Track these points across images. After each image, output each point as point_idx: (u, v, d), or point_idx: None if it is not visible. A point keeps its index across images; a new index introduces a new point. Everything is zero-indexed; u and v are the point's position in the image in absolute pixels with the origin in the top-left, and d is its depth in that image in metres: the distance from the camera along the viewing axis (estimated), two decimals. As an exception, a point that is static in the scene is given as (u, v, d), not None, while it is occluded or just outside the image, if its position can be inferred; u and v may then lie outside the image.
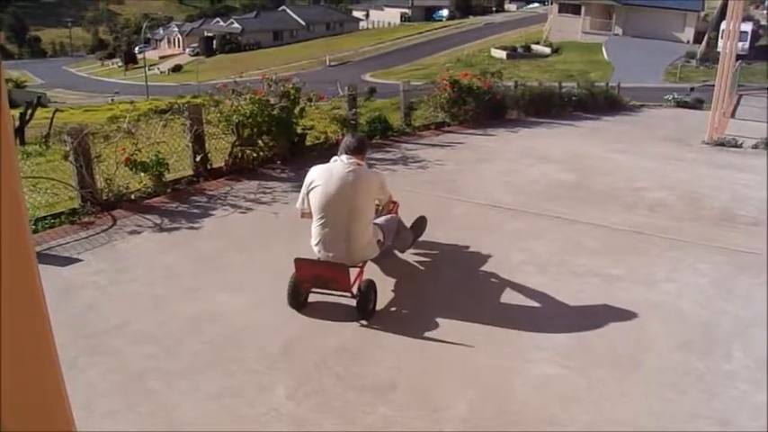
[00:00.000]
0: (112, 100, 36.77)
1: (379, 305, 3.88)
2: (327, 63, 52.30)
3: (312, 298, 3.93)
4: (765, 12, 45.36)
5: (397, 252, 4.60)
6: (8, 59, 79.94)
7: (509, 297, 4.13)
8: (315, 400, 3.00)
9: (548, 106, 13.15)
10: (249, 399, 3.02)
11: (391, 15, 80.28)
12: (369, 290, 3.78)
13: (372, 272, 4.18)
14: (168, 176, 6.25)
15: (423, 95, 11.14)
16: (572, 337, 3.61)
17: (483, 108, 11.01)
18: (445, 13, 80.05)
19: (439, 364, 3.35)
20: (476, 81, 11.15)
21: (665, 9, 43.47)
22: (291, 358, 3.37)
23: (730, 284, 4.36)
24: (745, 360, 3.36)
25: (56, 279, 4.25)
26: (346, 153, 3.94)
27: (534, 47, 46.37)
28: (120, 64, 70.45)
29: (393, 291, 4.17)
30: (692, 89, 24.60)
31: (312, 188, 3.87)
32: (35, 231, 5.02)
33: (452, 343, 3.53)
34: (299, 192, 4.01)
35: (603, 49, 42.55)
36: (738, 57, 16.47)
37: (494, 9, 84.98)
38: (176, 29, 79.62)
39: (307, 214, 3.99)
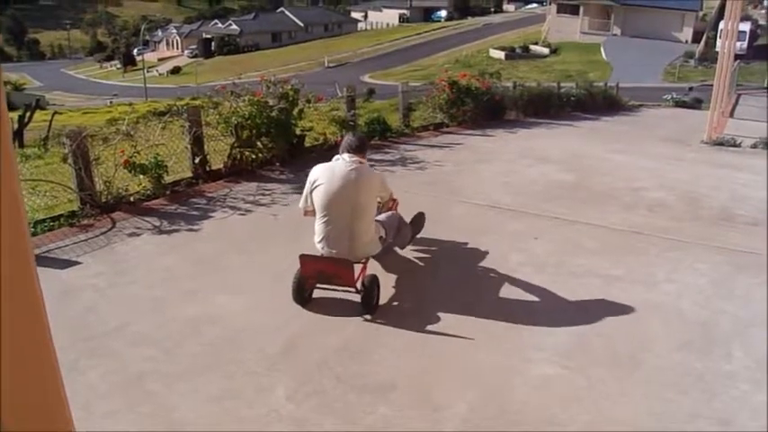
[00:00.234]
0: (111, 102, 36.74)
1: (381, 300, 3.93)
2: (326, 64, 52.34)
3: (313, 295, 3.96)
4: (764, 11, 45.43)
5: (396, 249, 4.66)
6: (7, 62, 79.89)
7: (508, 296, 4.14)
8: (315, 401, 3.00)
9: (546, 107, 13.16)
10: (249, 400, 3.02)
11: (390, 16, 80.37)
12: (372, 285, 3.83)
13: (373, 268, 4.22)
14: (167, 178, 6.25)
15: (421, 96, 11.14)
16: (572, 337, 3.61)
17: (482, 109, 11.02)
18: (443, 13, 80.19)
19: (439, 363, 3.35)
20: (474, 82, 11.15)
21: (664, 9, 43.53)
22: (291, 359, 3.37)
23: (730, 284, 4.36)
24: (744, 360, 3.36)
25: (55, 282, 4.24)
26: (348, 152, 4.00)
27: (533, 47, 46.44)
28: (118, 66, 70.49)
29: (394, 287, 4.22)
30: (690, 89, 24.67)
31: (315, 187, 3.91)
32: (34, 234, 5.02)
33: (453, 337, 3.56)
34: (298, 193, 4.04)
35: (602, 50, 42.62)
36: (737, 56, 16.47)
37: (492, 10, 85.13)
38: (175, 31, 79.71)
39: (310, 212, 4.04)
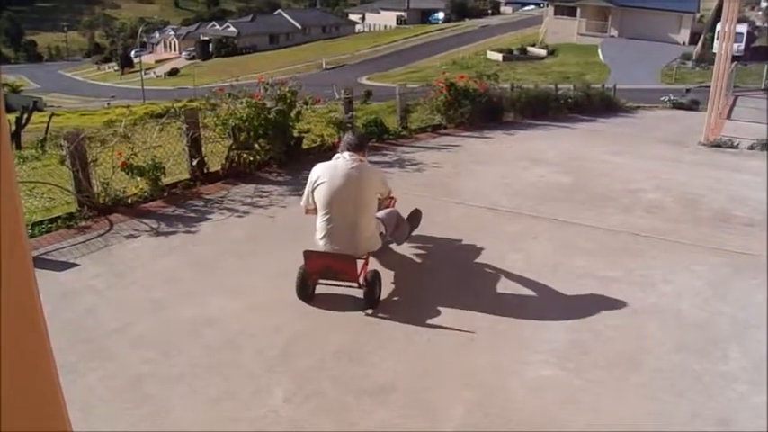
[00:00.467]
0: (109, 104, 36.72)
1: (381, 296, 3.99)
2: (323, 66, 52.36)
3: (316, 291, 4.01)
4: (760, 13, 45.58)
5: (393, 246, 4.72)
6: (4, 64, 79.97)
7: (506, 298, 4.14)
8: (313, 403, 3.00)
9: (544, 108, 13.15)
10: (247, 402, 3.01)
11: (387, 18, 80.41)
12: (374, 280, 3.91)
13: (372, 264, 4.25)
14: (165, 180, 6.24)
15: (419, 98, 11.12)
16: (569, 338, 3.61)
17: (479, 110, 11.01)
18: (441, 15, 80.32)
19: (437, 365, 3.35)
20: (472, 84, 11.14)
21: (661, 11, 43.63)
22: (289, 361, 3.37)
23: (727, 286, 4.37)
24: (742, 361, 3.37)
25: (53, 284, 4.24)
26: (348, 150, 4.09)
27: (530, 49, 46.50)
28: (116, 68, 70.38)
29: (393, 283, 4.27)
30: (687, 90, 24.72)
31: (317, 185, 3.97)
32: (32, 236, 5.02)
33: (451, 338, 3.57)
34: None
35: (599, 51, 42.70)
36: (734, 58, 16.52)
37: (489, 12, 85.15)
38: (172, 33, 79.68)
39: (311, 211, 4.11)
